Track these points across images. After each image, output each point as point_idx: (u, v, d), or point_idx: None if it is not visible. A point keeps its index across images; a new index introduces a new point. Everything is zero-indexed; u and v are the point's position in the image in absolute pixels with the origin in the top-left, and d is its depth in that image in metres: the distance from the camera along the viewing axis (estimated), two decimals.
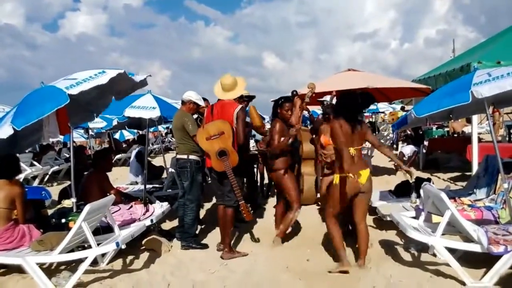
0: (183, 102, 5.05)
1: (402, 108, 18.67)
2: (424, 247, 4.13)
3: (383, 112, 22.76)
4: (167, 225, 5.77)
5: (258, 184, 7.24)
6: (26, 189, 4.31)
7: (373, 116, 22.54)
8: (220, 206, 4.65)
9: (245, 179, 6.19)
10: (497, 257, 3.30)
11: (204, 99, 5.42)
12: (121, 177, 9.44)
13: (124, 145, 18.23)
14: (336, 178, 3.77)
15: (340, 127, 3.70)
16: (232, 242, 4.67)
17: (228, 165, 4.27)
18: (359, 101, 3.86)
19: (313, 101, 5.33)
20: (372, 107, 18.61)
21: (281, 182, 4.74)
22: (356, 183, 3.66)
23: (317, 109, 10.18)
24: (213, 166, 4.36)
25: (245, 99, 5.48)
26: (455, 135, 14.58)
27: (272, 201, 6.67)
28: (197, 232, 5.05)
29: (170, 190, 6.79)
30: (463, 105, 3.96)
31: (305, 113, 6.56)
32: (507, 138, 13.26)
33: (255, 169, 7.13)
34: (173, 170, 6.46)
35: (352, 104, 3.82)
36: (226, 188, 4.45)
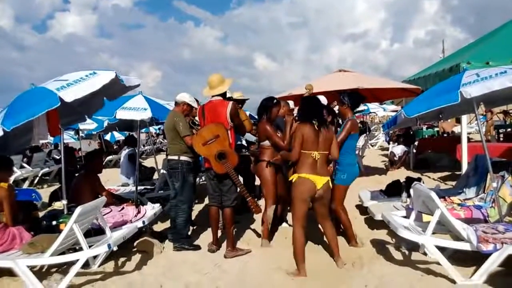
0: (176, 103, 5.05)
1: None
2: (415, 246, 4.16)
3: (374, 113, 22.87)
4: (159, 227, 5.76)
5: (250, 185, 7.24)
6: (16, 191, 4.28)
7: (364, 116, 22.62)
8: (212, 207, 4.65)
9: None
10: (487, 255, 3.34)
11: (195, 100, 5.41)
12: (112, 179, 9.37)
13: (115, 147, 18.15)
14: (294, 177, 3.82)
15: (303, 131, 3.75)
16: (224, 242, 4.66)
17: (229, 166, 4.31)
18: (317, 104, 3.94)
19: None
20: (363, 107, 18.68)
21: (261, 174, 4.74)
22: (312, 186, 3.74)
23: None
24: (214, 169, 4.39)
25: (239, 103, 5.48)
26: (445, 135, 14.72)
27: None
28: (189, 233, 5.04)
29: (161, 192, 6.76)
30: (453, 105, 3.99)
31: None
32: (496, 138, 13.40)
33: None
34: (164, 171, 6.44)
35: (312, 108, 3.88)
36: (225, 187, 4.48)
